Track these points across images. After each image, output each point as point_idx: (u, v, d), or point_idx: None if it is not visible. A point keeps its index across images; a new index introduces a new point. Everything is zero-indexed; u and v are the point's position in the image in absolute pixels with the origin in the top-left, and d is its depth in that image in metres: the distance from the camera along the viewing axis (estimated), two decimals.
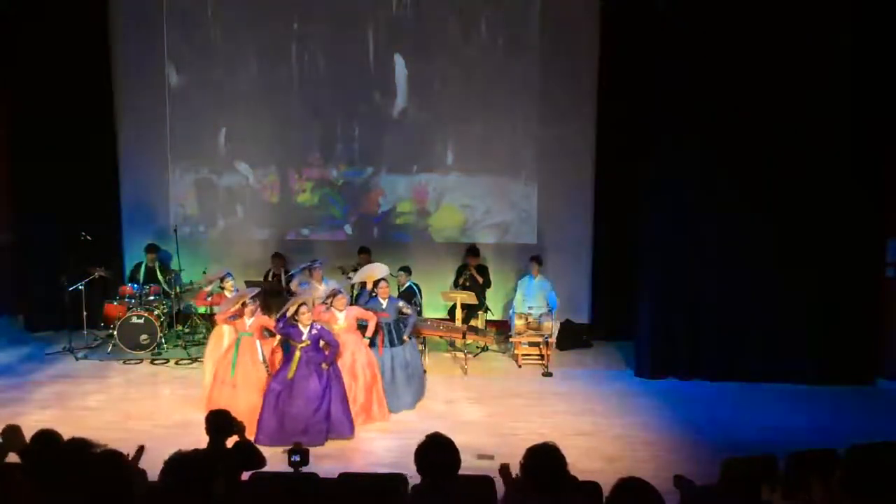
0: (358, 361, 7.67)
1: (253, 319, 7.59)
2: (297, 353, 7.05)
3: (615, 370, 9.57)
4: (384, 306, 8.13)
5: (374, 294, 8.29)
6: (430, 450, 3.76)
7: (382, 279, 8.40)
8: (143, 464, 4.60)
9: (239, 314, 7.64)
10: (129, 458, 3.96)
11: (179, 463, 3.53)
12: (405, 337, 8.20)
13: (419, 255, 11.04)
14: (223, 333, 7.94)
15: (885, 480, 3.80)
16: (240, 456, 4.72)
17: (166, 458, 3.73)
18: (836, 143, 8.63)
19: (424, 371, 8.68)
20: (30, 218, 10.83)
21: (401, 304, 8.33)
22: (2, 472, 4.19)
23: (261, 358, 7.53)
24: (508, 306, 10.68)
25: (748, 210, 8.83)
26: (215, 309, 8.63)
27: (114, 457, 3.57)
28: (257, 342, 7.57)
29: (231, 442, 4.77)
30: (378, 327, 8.04)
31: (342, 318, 7.71)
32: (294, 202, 11.39)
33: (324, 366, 7.08)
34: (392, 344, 8.08)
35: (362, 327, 8.06)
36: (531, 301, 10.03)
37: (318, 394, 6.99)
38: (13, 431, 4.39)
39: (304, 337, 7.07)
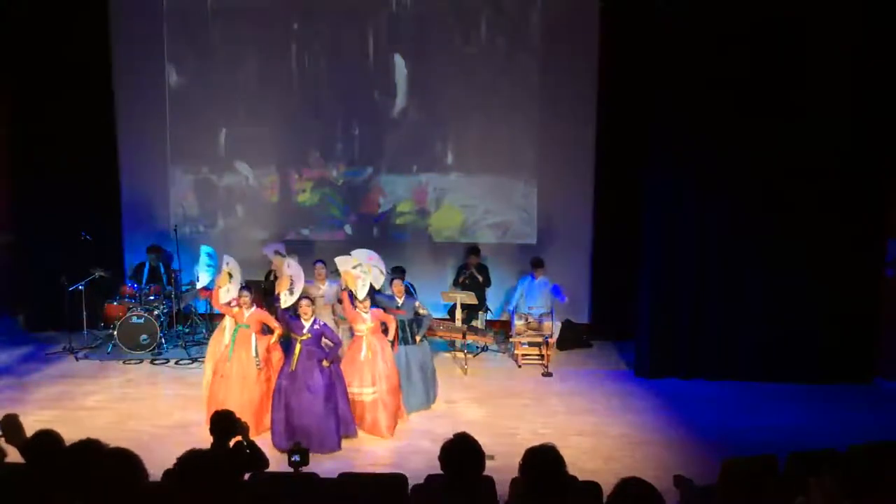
0: (387, 364, 7.58)
1: (252, 312, 7.55)
2: (298, 346, 7.05)
3: (615, 370, 9.57)
4: (400, 303, 8.10)
5: (390, 293, 8.26)
6: (459, 449, 3.77)
7: (396, 278, 8.39)
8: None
9: (237, 304, 7.62)
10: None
11: (193, 462, 3.53)
12: (417, 338, 8.16)
13: (419, 254, 11.05)
14: (224, 331, 7.93)
15: (885, 480, 3.81)
16: (243, 456, 4.72)
17: (166, 457, 3.74)
18: (836, 143, 8.63)
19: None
20: (30, 218, 10.83)
21: (417, 303, 8.31)
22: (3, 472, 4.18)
23: (253, 353, 7.45)
24: (508, 306, 10.67)
25: (748, 210, 8.83)
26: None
27: (125, 456, 3.57)
28: (252, 336, 7.53)
29: (233, 442, 4.76)
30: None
31: (369, 319, 7.59)
32: (294, 202, 11.39)
33: (324, 363, 7.07)
34: (406, 342, 8.03)
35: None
36: (532, 301, 10.03)
37: (322, 386, 6.97)
38: (12, 421, 4.34)
39: (304, 330, 7.07)
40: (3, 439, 4.31)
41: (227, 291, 7.66)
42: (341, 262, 7.77)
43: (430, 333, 9.27)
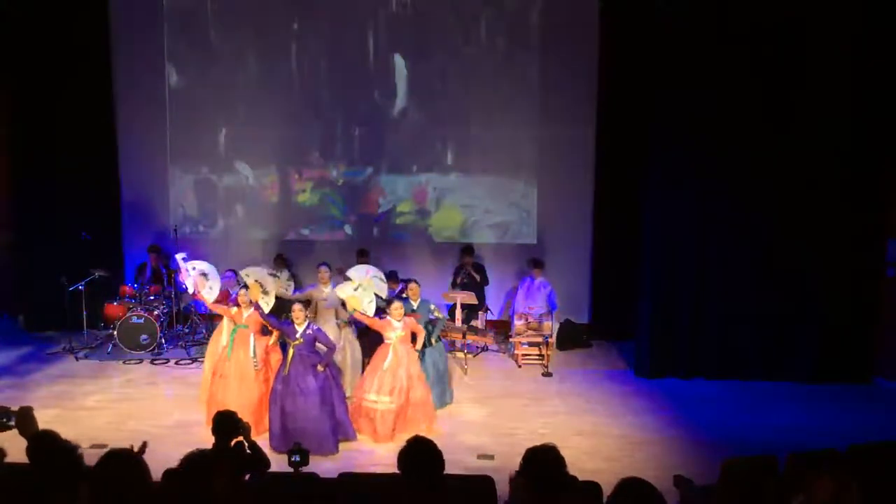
0: (412, 377, 7.40)
1: (250, 312, 7.53)
2: (291, 351, 7.04)
3: (615, 370, 9.57)
4: (416, 306, 8.05)
5: (405, 295, 8.21)
6: (411, 453, 3.77)
7: (413, 280, 8.37)
8: None
9: (234, 303, 7.63)
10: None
11: (197, 462, 3.53)
12: (433, 339, 8.11)
13: (419, 255, 11.06)
14: (222, 331, 7.94)
15: (885, 480, 3.81)
16: (244, 456, 4.71)
17: (166, 457, 3.74)
18: (836, 143, 8.63)
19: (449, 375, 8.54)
20: (30, 218, 10.83)
21: (433, 306, 8.28)
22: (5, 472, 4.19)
23: (251, 353, 7.44)
24: (508, 306, 10.68)
25: (748, 210, 8.83)
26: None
27: (129, 456, 3.57)
28: (251, 336, 7.52)
29: (233, 442, 4.76)
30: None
31: (399, 328, 7.44)
32: (294, 202, 11.40)
33: (319, 367, 7.05)
34: (422, 345, 7.89)
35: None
36: (532, 302, 10.03)
37: (316, 390, 6.95)
38: (26, 413, 4.38)
39: (297, 335, 7.05)
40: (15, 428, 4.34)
41: (210, 290, 7.72)
42: (341, 290, 7.72)
43: (443, 335, 9.27)
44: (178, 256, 8.33)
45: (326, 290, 8.46)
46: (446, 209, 11.21)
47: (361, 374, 8.73)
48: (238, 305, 7.55)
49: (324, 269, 8.58)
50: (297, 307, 7.13)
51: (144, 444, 4.50)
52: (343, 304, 8.39)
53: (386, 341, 7.45)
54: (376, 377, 7.35)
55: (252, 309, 7.55)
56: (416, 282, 8.35)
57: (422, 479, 3.74)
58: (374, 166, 11.21)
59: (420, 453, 3.77)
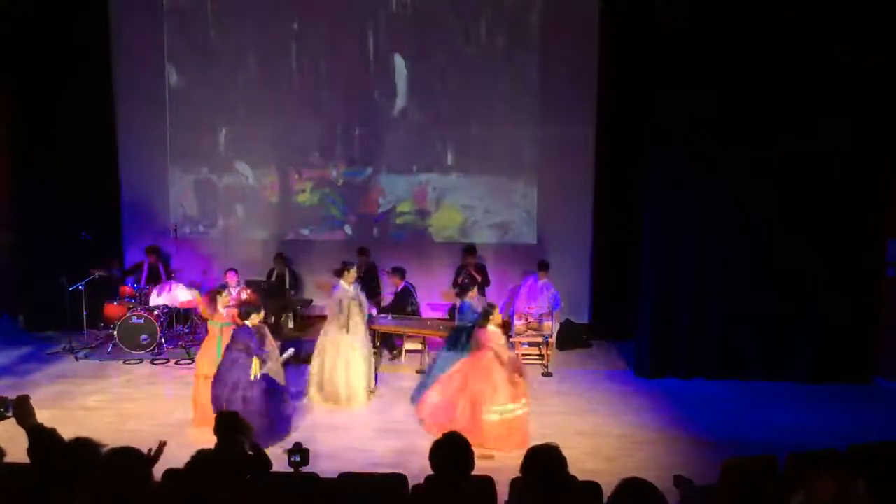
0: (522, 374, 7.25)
1: (229, 308, 7.61)
2: (256, 361, 6.95)
3: (615, 370, 9.57)
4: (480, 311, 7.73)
5: (461, 297, 8.19)
6: (447, 447, 3.77)
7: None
8: None
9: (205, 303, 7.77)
10: (151, 454, 3.96)
11: (204, 462, 3.53)
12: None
13: (419, 255, 11.06)
14: (214, 336, 7.92)
15: (886, 480, 3.81)
16: (246, 457, 4.71)
17: (166, 457, 3.74)
18: (836, 143, 8.63)
19: None
20: (30, 218, 10.84)
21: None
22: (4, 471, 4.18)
23: None
24: (509, 306, 10.67)
25: (748, 209, 8.83)
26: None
27: (132, 453, 3.56)
28: None
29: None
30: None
31: (500, 332, 7.26)
32: (294, 202, 11.40)
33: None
34: (462, 349, 7.74)
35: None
36: (534, 302, 10.03)
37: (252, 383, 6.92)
38: (24, 403, 4.37)
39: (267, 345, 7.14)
40: (14, 418, 4.33)
41: (184, 290, 7.82)
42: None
43: (426, 333, 9.24)
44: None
45: (350, 290, 8.33)
46: (446, 209, 11.22)
47: (375, 369, 8.69)
48: (211, 302, 7.67)
49: (353, 269, 8.43)
50: (255, 315, 7.07)
51: (162, 444, 4.44)
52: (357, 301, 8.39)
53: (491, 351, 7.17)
54: (497, 389, 7.03)
55: (230, 304, 7.73)
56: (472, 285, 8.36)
57: (454, 475, 3.73)
58: (374, 166, 11.21)
59: (457, 450, 3.76)
